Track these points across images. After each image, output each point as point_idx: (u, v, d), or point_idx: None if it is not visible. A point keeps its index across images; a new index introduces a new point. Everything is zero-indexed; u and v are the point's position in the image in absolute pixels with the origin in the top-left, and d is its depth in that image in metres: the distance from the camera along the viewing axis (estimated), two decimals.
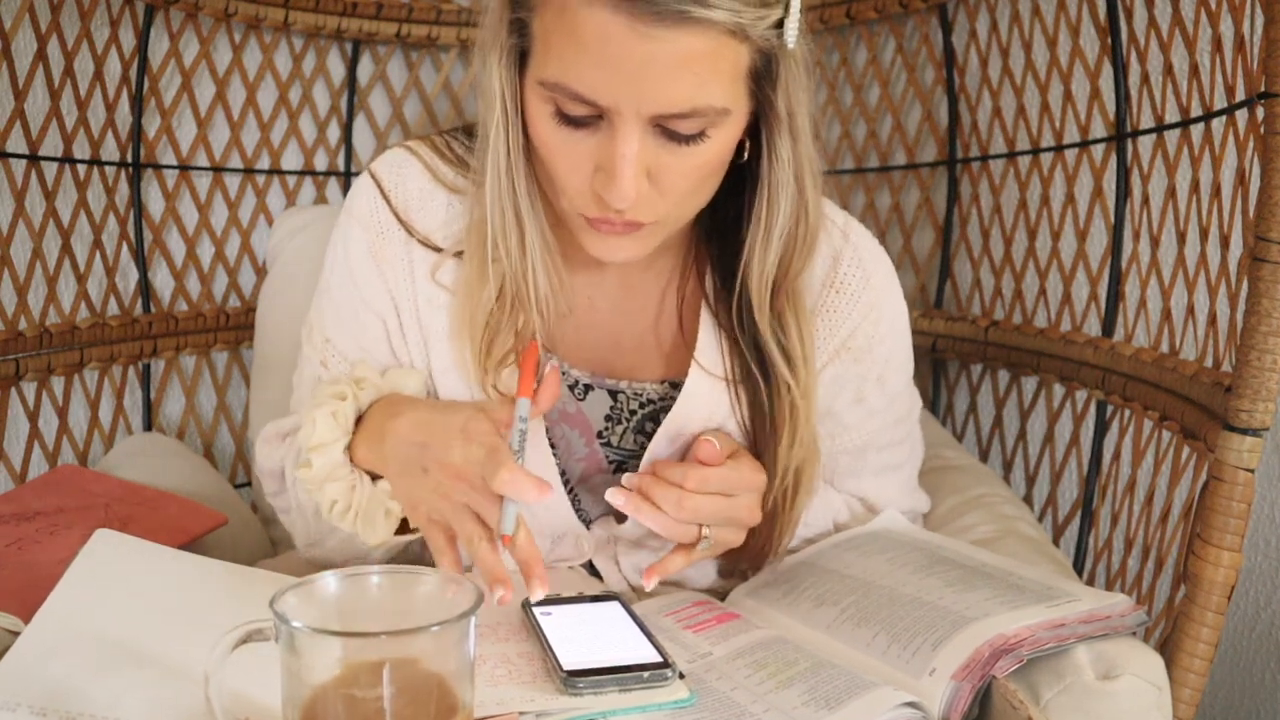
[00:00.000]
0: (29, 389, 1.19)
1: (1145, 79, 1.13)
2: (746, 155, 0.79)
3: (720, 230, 0.86)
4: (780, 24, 0.71)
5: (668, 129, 0.71)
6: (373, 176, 0.88)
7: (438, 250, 0.86)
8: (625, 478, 0.80)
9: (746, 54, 0.71)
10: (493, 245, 0.81)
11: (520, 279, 0.82)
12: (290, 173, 1.46)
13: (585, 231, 0.79)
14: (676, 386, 0.88)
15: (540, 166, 0.78)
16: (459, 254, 0.86)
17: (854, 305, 0.88)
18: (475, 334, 0.84)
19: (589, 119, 0.72)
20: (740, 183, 0.81)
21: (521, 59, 0.75)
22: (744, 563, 0.92)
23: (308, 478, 0.81)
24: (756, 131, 0.78)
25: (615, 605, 0.78)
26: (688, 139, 0.72)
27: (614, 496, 0.79)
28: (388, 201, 0.87)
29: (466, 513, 0.74)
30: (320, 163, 1.49)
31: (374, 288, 0.87)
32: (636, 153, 0.71)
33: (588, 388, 0.90)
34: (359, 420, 0.84)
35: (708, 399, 0.86)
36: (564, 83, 0.70)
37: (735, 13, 0.67)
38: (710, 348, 0.86)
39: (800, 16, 0.72)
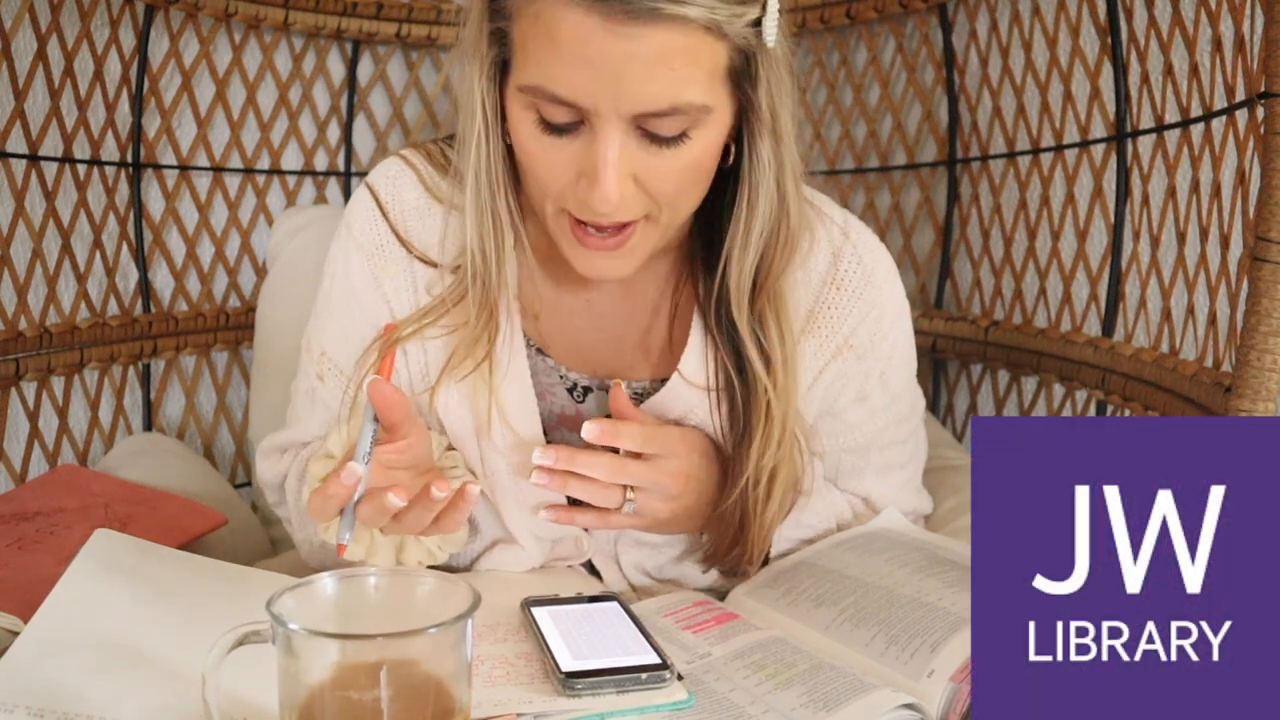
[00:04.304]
0: (29, 389, 1.19)
1: (1145, 79, 1.12)
2: (732, 159, 0.79)
3: (710, 234, 0.86)
4: (758, 23, 0.72)
5: (649, 131, 0.71)
6: (370, 190, 0.88)
7: (435, 265, 0.86)
8: (538, 453, 0.80)
9: (725, 52, 0.72)
10: (469, 247, 0.81)
11: (493, 279, 0.82)
12: (290, 173, 1.46)
13: (572, 247, 0.79)
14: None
15: (525, 175, 0.79)
16: (456, 269, 0.85)
17: (855, 302, 0.88)
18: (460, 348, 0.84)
19: (571, 125, 0.72)
20: (730, 186, 0.81)
21: (503, 69, 0.76)
22: (720, 566, 0.92)
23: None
24: (740, 134, 0.78)
25: (614, 606, 0.78)
26: (669, 141, 0.72)
27: (538, 477, 0.80)
28: (385, 217, 0.86)
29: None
30: (320, 163, 1.49)
31: (374, 303, 0.87)
32: (618, 156, 0.71)
33: (586, 390, 0.90)
34: None
35: (687, 398, 0.86)
36: (543, 85, 0.70)
37: (710, 9, 0.67)
38: (696, 353, 0.86)
39: (778, 16, 0.72)
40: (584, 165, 0.73)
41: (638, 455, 0.83)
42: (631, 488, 0.83)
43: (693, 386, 0.86)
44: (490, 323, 0.83)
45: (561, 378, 0.90)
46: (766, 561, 0.91)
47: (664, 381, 0.88)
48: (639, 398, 0.89)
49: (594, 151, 0.71)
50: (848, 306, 0.88)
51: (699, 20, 0.67)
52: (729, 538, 0.87)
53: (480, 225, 0.81)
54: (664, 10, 0.66)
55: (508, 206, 0.81)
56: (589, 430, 0.80)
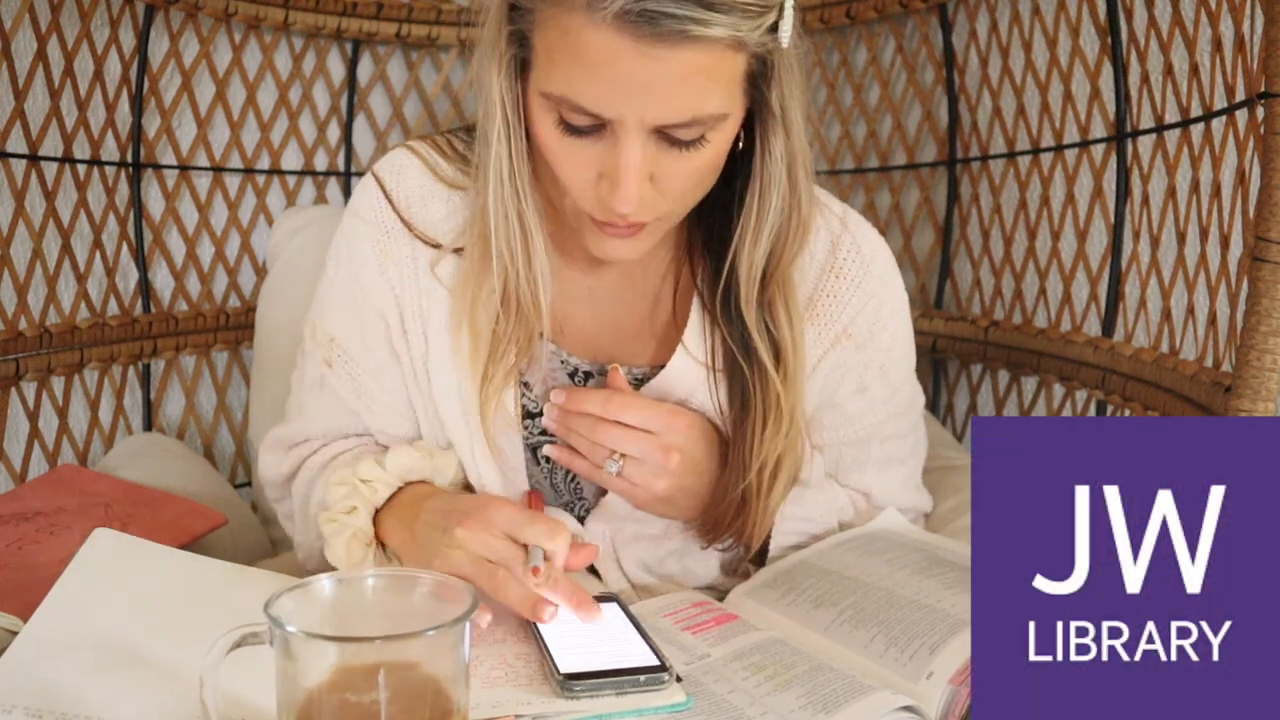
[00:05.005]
0: (29, 389, 1.19)
1: (1145, 79, 1.12)
2: (741, 145, 0.80)
3: (711, 218, 0.87)
4: (775, 27, 0.73)
5: (668, 135, 0.73)
6: (375, 177, 0.89)
7: (437, 246, 0.87)
8: (547, 407, 0.87)
9: (743, 61, 0.73)
10: (496, 250, 0.82)
11: (527, 289, 0.83)
12: (290, 173, 1.46)
13: (589, 231, 0.80)
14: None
15: (543, 165, 0.80)
16: (458, 250, 0.86)
17: (854, 291, 0.89)
18: (477, 332, 0.85)
19: (592, 128, 0.73)
20: (733, 170, 0.82)
21: (522, 65, 0.77)
22: (719, 545, 0.92)
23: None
24: (750, 122, 0.79)
25: (613, 607, 0.78)
26: (688, 144, 0.74)
27: (549, 414, 0.88)
28: (389, 200, 0.88)
29: (484, 564, 0.74)
30: (320, 163, 1.49)
31: (377, 285, 0.88)
32: (639, 161, 0.73)
33: (588, 374, 0.90)
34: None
35: (687, 380, 0.87)
36: (569, 97, 0.72)
37: (733, 27, 0.69)
38: (697, 334, 0.87)
39: (794, 16, 0.73)
40: (604, 167, 0.74)
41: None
42: (621, 454, 0.84)
43: (694, 361, 0.87)
44: (526, 336, 0.85)
45: (563, 363, 0.90)
46: (765, 555, 0.92)
47: (664, 367, 0.88)
48: (639, 383, 0.89)
49: (615, 155, 0.73)
50: (846, 294, 0.89)
51: (723, 39, 0.69)
52: (729, 515, 0.88)
53: (508, 231, 0.81)
54: (691, 32, 0.67)
55: (533, 207, 0.82)
56: (556, 397, 0.86)
